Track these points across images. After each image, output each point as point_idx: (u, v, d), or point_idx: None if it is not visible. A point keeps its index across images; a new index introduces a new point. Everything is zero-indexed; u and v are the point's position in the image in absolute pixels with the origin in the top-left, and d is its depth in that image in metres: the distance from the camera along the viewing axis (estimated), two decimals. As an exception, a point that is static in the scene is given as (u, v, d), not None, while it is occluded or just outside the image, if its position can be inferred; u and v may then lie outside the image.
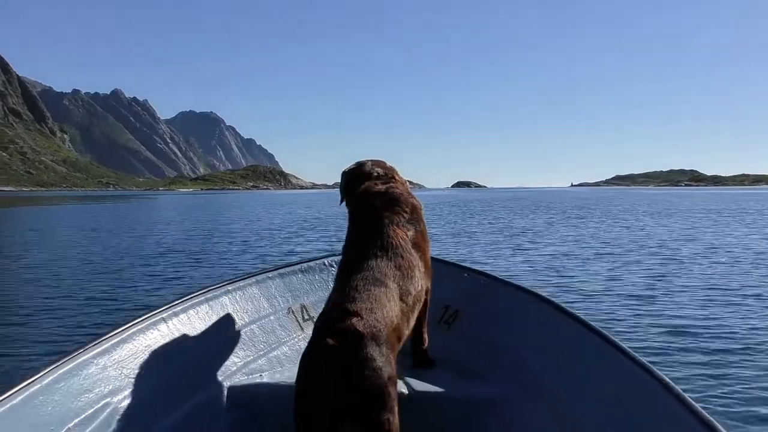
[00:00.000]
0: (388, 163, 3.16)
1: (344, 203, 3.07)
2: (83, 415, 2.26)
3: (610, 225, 25.65)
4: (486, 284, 3.54)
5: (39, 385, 2.15)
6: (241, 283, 3.36)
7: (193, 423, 2.65)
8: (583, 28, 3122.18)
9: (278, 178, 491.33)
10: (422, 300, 2.71)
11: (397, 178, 3.03)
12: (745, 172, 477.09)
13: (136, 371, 2.57)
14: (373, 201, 2.81)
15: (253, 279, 3.44)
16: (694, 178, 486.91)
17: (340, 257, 3.52)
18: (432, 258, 3.01)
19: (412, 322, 2.61)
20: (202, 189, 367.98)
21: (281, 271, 3.62)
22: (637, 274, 11.32)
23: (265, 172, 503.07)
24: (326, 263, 3.80)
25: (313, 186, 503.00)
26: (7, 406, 2.01)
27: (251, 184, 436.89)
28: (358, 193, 2.93)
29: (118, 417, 2.39)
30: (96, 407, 2.32)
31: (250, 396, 2.89)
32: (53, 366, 2.26)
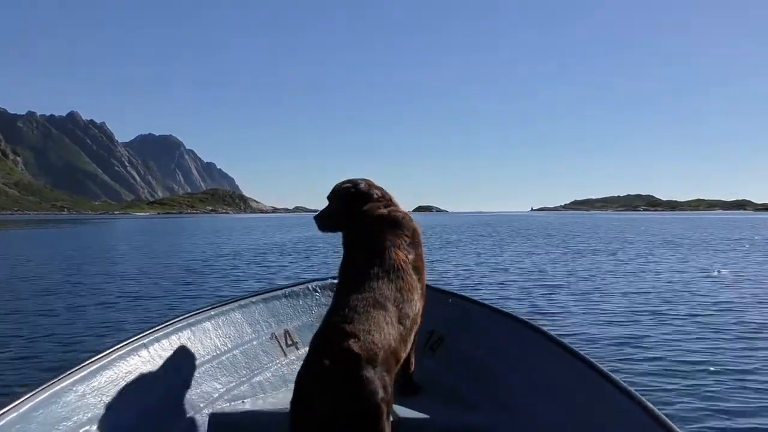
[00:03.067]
0: (377, 183, 3.13)
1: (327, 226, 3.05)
2: None
3: (629, 256, 21.24)
4: (471, 310, 3.50)
5: (15, 414, 2.09)
6: (224, 308, 3.30)
7: None
8: (542, 58, 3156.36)
9: (238, 201, 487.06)
10: (418, 323, 2.70)
11: (395, 201, 3.03)
12: (700, 197, 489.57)
13: (116, 398, 2.50)
14: (375, 224, 2.80)
15: (237, 304, 3.39)
16: (651, 203, 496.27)
17: (324, 282, 3.64)
18: None
19: (410, 345, 2.61)
20: (158, 213, 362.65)
21: (265, 295, 3.57)
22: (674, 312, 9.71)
23: (225, 196, 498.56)
24: (310, 288, 3.76)
25: (274, 210, 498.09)
26: None
27: (210, 208, 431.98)
28: (359, 214, 2.89)
29: None
30: None
31: (232, 422, 2.83)
32: (30, 394, 2.19)
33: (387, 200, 2.99)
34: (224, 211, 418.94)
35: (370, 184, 3.05)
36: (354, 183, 3.05)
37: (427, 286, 3.63)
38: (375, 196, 2.98)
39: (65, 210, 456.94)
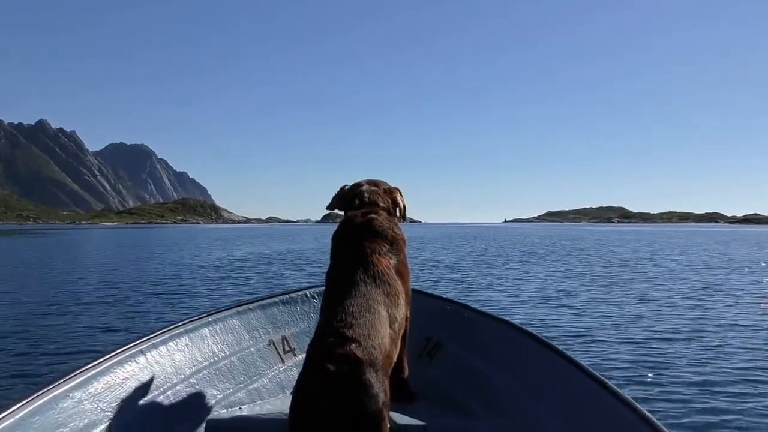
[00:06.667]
0: (387, 185, 3.18)
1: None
2: None
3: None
4: (468, 317, 3.51)
5: (12, 420, 2.09)
6: (222, 315, 3.31)
7: None
8: (514, 69, 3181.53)
9: (209, 212, 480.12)
10: (404, 327, 2.75)
11: (381, 205, 3.03)
12: (671, 210, 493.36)
13: (113, 405, 2.50)
14: (354, 232, 2.84)
15: (234, 310, 3.40)
16: (623, 214, 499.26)
17: (322, 289, 3.61)
18: (413, 290, 3.02)
19: (398, 349, 2.65)
20: (127, 223, 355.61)
21: (262, 302, 3.58)
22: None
23: (196, 206, 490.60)
24: (308, 295, 3.78)
25: (246, 220, 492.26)
26: None
27: (180, 218, 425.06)
28: (340, 222, 2.96)
29: None
30: None
31: (229, 429, 2.85)
32: (26, 400, 2.19)
33: (370, 206, 3.00)
34: (195, 221, 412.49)
35: (370, 186, 3.12)
36: (355, 184, 3.15)
37: (425, 292, 3.73)
38: (356, 202, 3.02)
39: (31, 220, 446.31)
